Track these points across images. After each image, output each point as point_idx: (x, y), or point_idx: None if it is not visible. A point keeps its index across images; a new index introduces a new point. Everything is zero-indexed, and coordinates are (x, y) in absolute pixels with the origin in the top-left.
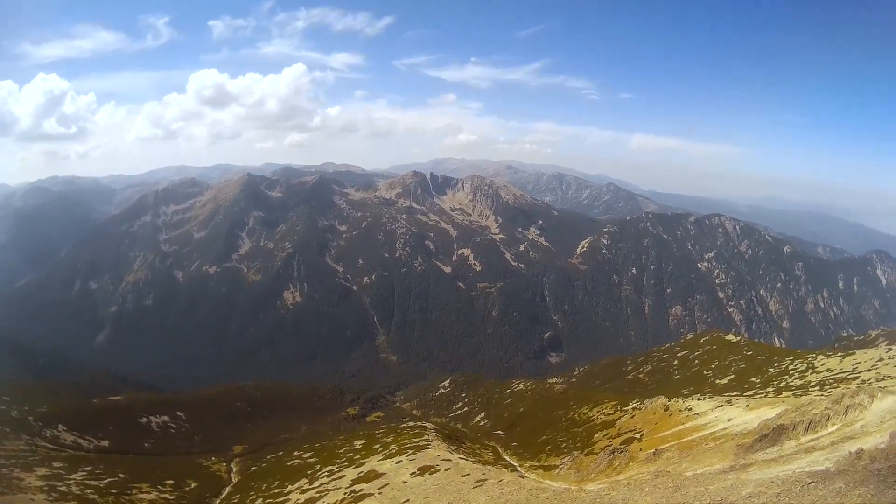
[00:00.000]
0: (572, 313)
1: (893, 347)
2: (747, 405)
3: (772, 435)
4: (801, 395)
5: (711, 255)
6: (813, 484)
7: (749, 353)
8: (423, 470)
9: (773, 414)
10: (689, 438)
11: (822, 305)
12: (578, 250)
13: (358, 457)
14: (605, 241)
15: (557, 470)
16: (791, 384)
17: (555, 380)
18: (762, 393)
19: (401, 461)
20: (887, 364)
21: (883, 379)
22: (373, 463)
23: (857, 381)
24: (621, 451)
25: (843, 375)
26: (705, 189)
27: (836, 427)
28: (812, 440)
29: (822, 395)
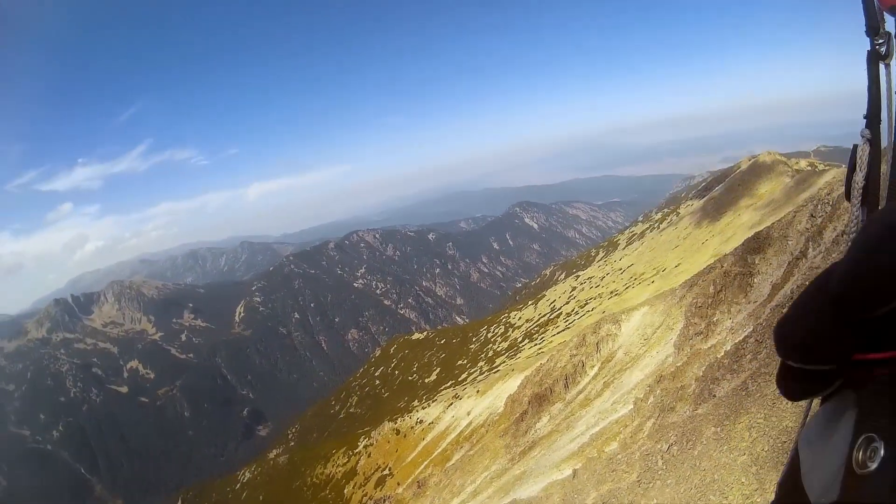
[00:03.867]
0: (258, 381)
1: (579, 273)
2: (477, 391)
3: (531, 409)
4: (514, 356)
5: (363, 270)
6: (675, 446)
7: (441, 341)
8: None
9: (515, 386)
10: (441, 450)
11: (486, 270)
12: (237, 318)
13: None
14: (258, 299)
15: None
16: (499, 349)
17: (275, 452)
18: (476, 370)
19: None
20: (583, 289)
21: (587, 303)
22: None
23: (561, 316)
24: (384, 500)
25: (545, 318)
26: (335, 213)
27: (596, 368)
28: (580, 392)
29: (535, 345)
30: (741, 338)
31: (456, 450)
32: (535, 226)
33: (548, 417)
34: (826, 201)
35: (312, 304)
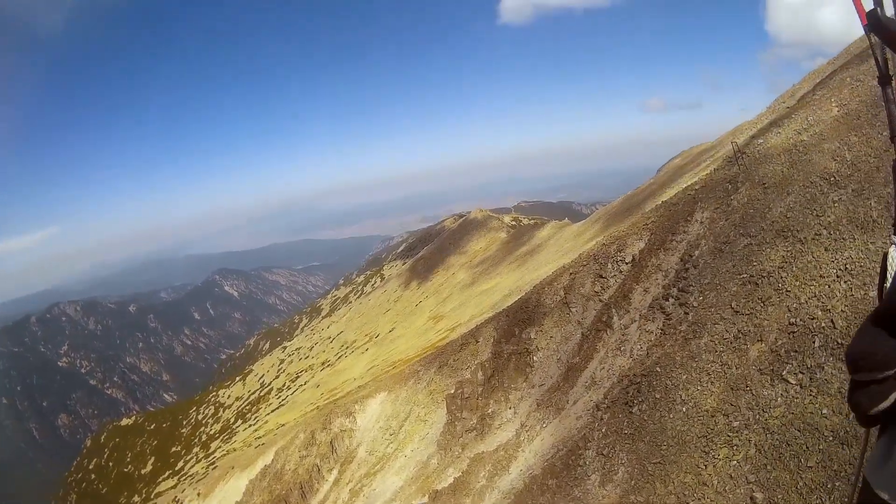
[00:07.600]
0: None
1: (286, 344)
2: (198, 493)
3: None
4: (229, 440)
5: (66, 347)
6: None
7: (152, 426)
8: None
9: (240, 489)
10: None
11: (189, 343)
12: None
13: None
14: None
15: None
16: (212, 432)
17: None
18: (192, 457)
19: None
20: (292, 361)
21: (298, 377)
22: None
23: (272, 392)
24: None
25: (256, 394)
26: (41, 282)
27: (335, 472)
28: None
29: (249, 426)
30: (560, 445)
31: None
32: (236, 293)
33: None
34: (618, 259)
35: (19, 388)
